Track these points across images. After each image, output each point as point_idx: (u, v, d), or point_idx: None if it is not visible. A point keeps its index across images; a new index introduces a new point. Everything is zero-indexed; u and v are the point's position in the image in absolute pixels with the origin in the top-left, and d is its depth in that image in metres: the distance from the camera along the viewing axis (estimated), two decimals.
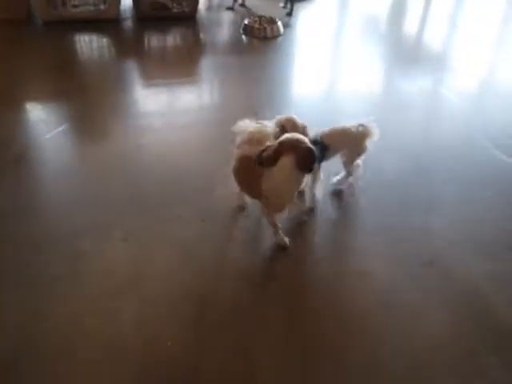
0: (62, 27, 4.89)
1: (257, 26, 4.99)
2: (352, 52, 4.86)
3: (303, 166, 2.15)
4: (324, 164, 2.64)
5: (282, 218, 2.47)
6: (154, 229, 2.54)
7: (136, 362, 1.92)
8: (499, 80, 4.46)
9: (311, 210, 2.72)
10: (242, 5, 5.74)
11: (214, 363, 1.92)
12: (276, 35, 4.98)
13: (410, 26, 5.79)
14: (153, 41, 5.08)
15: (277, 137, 2.26)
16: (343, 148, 2.67)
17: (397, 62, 4.73)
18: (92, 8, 5.06)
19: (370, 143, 2.66)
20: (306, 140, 2.17)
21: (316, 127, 2.58)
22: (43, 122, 3.44)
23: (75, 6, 5.03)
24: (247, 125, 2.42)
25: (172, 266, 2.34)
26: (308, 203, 2.73)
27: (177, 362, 1.93)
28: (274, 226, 2.42)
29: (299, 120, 2.46)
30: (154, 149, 3.16)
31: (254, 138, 2.31)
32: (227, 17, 5.57)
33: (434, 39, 5.39)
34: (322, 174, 2.66)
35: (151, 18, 5.19)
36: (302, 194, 2.72)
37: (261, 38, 4.94)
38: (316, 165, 2.37)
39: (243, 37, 4.99)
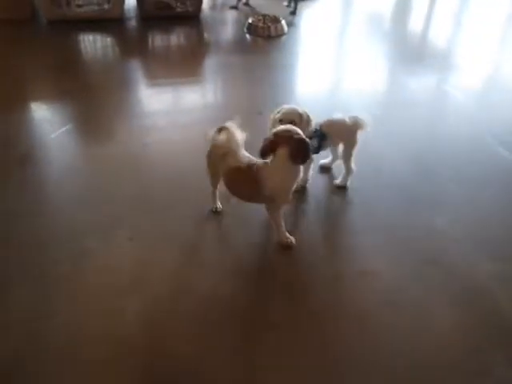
0: (67, 26, 4.90)
1: (261, 24, 4.99)
2: (356, 50, 4.86)
3: (297, 158, 2.19)
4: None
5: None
6: (159, 228, 2.55)
7: (140, 360, 1.92)
8: (504, 77, 4.44)
9: (303, 188, 2.80)
10: (246, 4, 5.74)
11: (216, 361, 1.93)
12: (280, 34, 4.98)
13: (415, 23, 5.79)
14: (157, 40, 5.09)
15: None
16: (339, 138, 2.71)
17: (401, 60, 4.72)
18: (96, 7, 5.08)
19: (361, 135, 2.70)
20: (300, 132, 2.21)
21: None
22: (48, 121, 3.46)
23: (79, 6, 5.05)
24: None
25: (176, 265, 2.34)
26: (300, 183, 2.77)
27: (181, 360, 1.93)
28: (279, 224, 2.43)
29: (302, 111, 2.51)
30: (158, 148, 3.16)
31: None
32: (231, 16, 5.57)
33: (438, 37, 5.38)
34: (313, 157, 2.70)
35: (155, 17, 5.20)
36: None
37: (265, 36, 4.94)
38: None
39: (247, 36, 5.00)
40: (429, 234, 2.56)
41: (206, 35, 5.21)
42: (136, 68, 4.51)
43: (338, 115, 2.70)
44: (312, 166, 2.80)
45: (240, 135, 2.32)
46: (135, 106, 3.76)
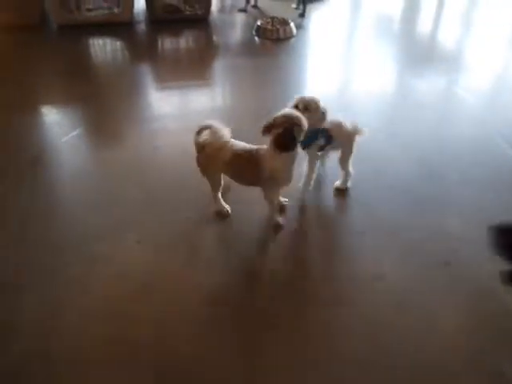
0: (77, 31, 4.94)
1: (269, 27, 5.00)
2: (365, 52, 4.85)
3: (279, 145, 2.26)
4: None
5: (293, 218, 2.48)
6: (168, 231, 2.56)
7: (148, 362, 1.93)
8: None
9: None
10: (255, 6, 5.75)
11: (224, 361, 1.94)
12: (289, 36, 4.99)
13: (424, 25, 5.77)
14: (166, 43, 5.12)
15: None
16: (341, 141, 2.71)
17: (410, 61, 4.71)
18: (106, 11, 5.11)
19: (358, 140, 2.73)
20: (296, 119, 2.25)
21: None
22: (59, 125, 3.48)
23: (89, 10, 5.08)
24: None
25: (185, 268, 2.35)
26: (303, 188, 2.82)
27: (189, 361, 1.94)
28: (274, 206, 2.54)
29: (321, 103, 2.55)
30: (168, 151, 3.18)
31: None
32: (240, 18, 5.58)
33: (447, 38, 5.36)
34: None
35: (164, 20, 5.22)
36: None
37: (273, 39, 4.95)
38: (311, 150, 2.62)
39: (256, 38, 5.01)
40: (434, 236, 2.56)
41: (214, 38, 5.23)
42: (146, 71, 4.53)
43: (338, 118, 2.70)
44: (318, 165, 2.80)
45: (224, 129, 2.40)
46: (145, 110, 3.78)
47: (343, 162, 2.78)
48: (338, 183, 2.87)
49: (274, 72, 4.33)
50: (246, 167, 2.39)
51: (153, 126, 3.48)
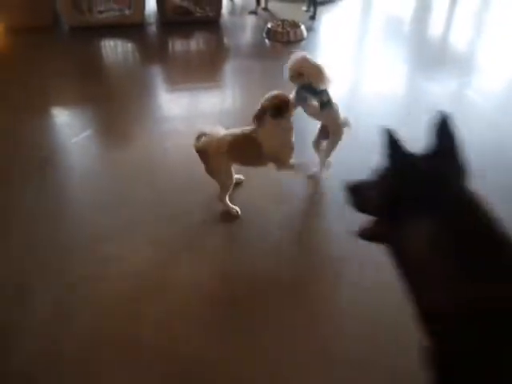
0: (88, 32, 4.96)
1: (280, 29, 4.99)
2: (376, 54, 4.83)
3: (273, 114, 2.39)
4: None
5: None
6: (179, 233, 2.56)
7: (157, 364, 1.93)
8: None
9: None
10: (265, 9, 5.75)
11: (237, 365, 1.94)
12: (299, 39, 4.98)
13: (435, 27, 5.74)
14: (177, 45, 5.13)
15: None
16: (333, 122, 2.75)
17: (422, 63, 4.69)
18: (117, 13, 5.13)
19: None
20: (280, 96, 2.44)
21: None
22: (69, 126, 3.50)
23: (101, 12, 5.10)
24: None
25: (196, 270, 2.35)
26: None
27: (199, 363, 1.94)
28: (293, 167, 2.57)
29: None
30: (178, 153, 3.18)
31: None
32: (250, 21, 5.58)
33: (459, 40, 5.33)
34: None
35: (175, 22, 5.23)
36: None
37: (284, 41, 4.94)
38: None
39: (266, 41, 5.00)
40: None
41: (225, 40, 5.23)
42: (156, 73, 4.55)
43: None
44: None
45: (217, 127, 2.55)
46: (155, 111, 3.79)
47: (327, 152, 2.81)
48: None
49: (283, 75, 4.31)
50: (246, 149, 2.47)
51: (163, 127, 3.48)
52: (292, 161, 2.55)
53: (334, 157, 2.86)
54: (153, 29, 5.28)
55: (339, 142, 2.78)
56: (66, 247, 2.47)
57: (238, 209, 2.66)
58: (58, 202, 2.79)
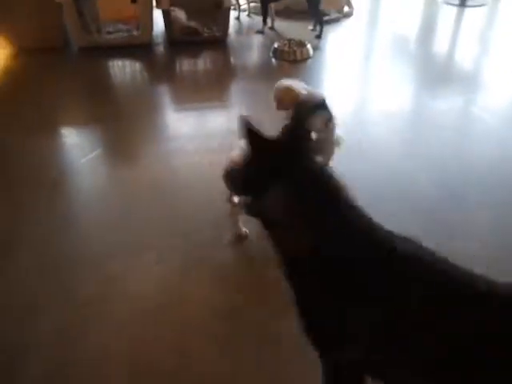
0: (97, 53, 5.02)
1: (286, 49, 5.03)
2: (382, 73, 4.86)
3: None
4: None
5: None
6: (186, 251, 2.56)
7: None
8: None
9: None
10: (272, 28, 5.80)
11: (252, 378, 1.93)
12: (306, 58, 5.01)
13: (441, 45, 5.76)
14: (184, 65, 5.18)
15: None
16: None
17: (427, 81, 4.70)
18: (125, 34, 5.20)
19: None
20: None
21: None
22: (78, 146, 3.53)
23: (109, 32, 5.18)
24: None
25: (204, 289, 2.35)
26: None
27: (214, 379, 1.95)
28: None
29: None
30: (186, 172, 3.20)
31: None
32: (257, 40, 5.64)
33: (465, 58, 5.35)
34: None
35: (183, 42, 5.29)
36: None
37: (290, 60, 4.98)
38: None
39: (273, 60, 5.04)
40: (462, 261, 2.50)
41: (232, 60, 5.28)
42: (164, 93, 4.59)
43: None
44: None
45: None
46: (163, 131, 3.82)
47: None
48: None
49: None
50: None
51: (170, 146, 3.51)
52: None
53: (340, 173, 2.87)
54: (160, 49, 5.34)
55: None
56: (75, 267, 2.48)
57: (246, 230, 2.66)
58: (67, 222, 2.80)
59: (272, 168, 1.35)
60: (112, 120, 3.83)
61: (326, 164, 2.77)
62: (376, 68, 5.10)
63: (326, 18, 5.73)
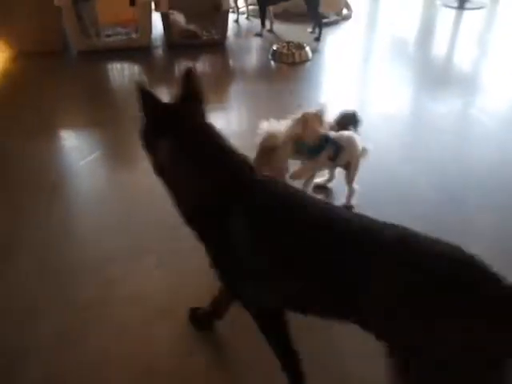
0: (96, 57, 5.03)
1: (285, 51, 5.04)
2: (381, 75, 4.87)
3: None
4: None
5: None
6: (186, 256, 2.56)
7: None
8: None
9: None
10: (270, 31, 5.82)
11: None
12: (304, 60, 5.02)
13: (439, 47, 5.78)
14: (183, 68, 5.17)
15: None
16: (352, 156, 2.74)
17: (426, 84, 4.71)
18: (124, 37, 5.21)
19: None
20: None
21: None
22: (77, 149, 3.53)
23: (108, 36, 5.19)
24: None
25: (204, 293, 2.34)
26: None
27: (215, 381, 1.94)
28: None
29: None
30: None
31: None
32: (256, 43, 5.65)
33: (463, 60, 5.36)
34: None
35: (181, 45, 5.30)
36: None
37: (289, 63, 4.99)
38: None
39: (272, 62, 5.05)
40: None
41: (231, 62, 5.29)
42: (163, 95, 4.57)
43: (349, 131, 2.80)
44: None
45: None
46: None
47: (349, 178, 2.81)
48: (344, 201, 2.86)
49: (290, 96, 4.35)
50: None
51: None
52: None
53: (338, 177, 2.90)
54: (159, 52, 5.35)
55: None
56: (74, 270, 2.48)
57: None
58: (66, 226, 2.80)
59: (161, 126, 1.56)
60: (111, 123, 3.83)
61: (353, 177, 2.80)
62: (375, 70, 5.11)
63: (324, 20, 5.75)
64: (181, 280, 2.41)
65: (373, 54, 5.67)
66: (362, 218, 1.43)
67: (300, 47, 5.10)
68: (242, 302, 1.66)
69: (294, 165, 2.76)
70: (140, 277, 2.43)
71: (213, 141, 1.57)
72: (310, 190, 2.86)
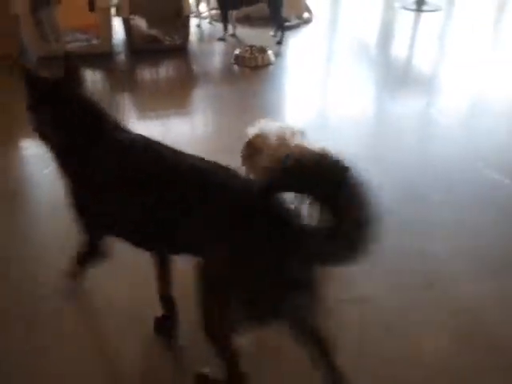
0: (56, 62, 4.91)
1: (248, 55, 5.06)
2: (343, 77, 4.93)
3: None
4: None
5: None
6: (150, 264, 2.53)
7: None
8: (489, 100, 4.50)
9: None
10: (233, 35, 5.83)
11: None
12: (267, 64, 5.05)
13: (399, 49, 5.90)
14: (146, 73, 5.15)
15: None
16: None
17: (388, 85, 4.80)
18: (85, 43, 5.14)
19: None
20: None
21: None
22: (40, 157, 3.45)
23: (68, 42, 5.11)
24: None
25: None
26: None
27: None
28: None
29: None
30: None
31: None
32: (218, 47, 5.66)
33: (423, 61, 5.48)
34: None
35: (144, 50, 5.26)
36: None
37: (252, 67, 5.01)
38: None
39: (235, 66, 5.07)
40: (424, 260, 2.57)
41: (194, 67, 5.29)
42: (126, 101, 4.55)
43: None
44: None
45: None
46: None
47: None
48: None
49: (253, 99, 4.37)
50: None
51: None
52: None
53: None
54: (121, 57, 5.30)
55: None
56: (36, 281, 2.42)
57: None
58: (27, 234, 2.75)
59: (44, 95, 1.83)
60: None
61: None
62: (337, 73, 5.17)
63: (286, 24, 5.79)
64: (147, 289, 2.38)
65: (334, 56, 5.74)
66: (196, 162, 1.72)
67: (263, 51, 5.13)
68: (90, 237, 1.98)
69: None
70: (105, 287, 2.39)
71: (85, 103, 1.87)
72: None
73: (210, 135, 3.90)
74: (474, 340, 2.13)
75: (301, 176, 1.42)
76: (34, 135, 1.94)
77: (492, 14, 7.07)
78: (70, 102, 1.82)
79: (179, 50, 5.39)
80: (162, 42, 5.32)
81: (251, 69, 4.99)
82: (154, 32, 5.29)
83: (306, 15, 6.33)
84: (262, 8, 5.58)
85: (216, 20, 6.17)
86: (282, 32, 5.54)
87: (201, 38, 5.95)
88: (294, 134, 2.54)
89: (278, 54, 5.25)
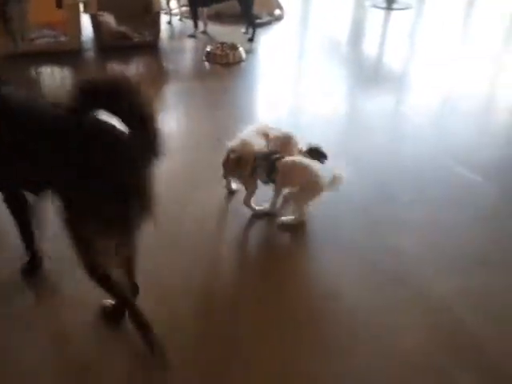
0: (24, 60, 4.83)
1: (219, 52, 5.04)
2: (314, 75, 4.94)
3: None
4: None
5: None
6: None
7: None
8: (459, 97, 4.55)
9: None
10: (204, 32, 5.80)
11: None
12: (238, 61, 5.04)
13: (370, 46, 5.94)
14: (115, 70, 5.07)
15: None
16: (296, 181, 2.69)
17: (359, 83, 4.83)
18: (52, 40, 5.04)
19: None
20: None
21: None
22: None
23: (35, 39, 5.00)
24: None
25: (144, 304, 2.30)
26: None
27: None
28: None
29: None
30: None
31: None
32: (189, 44, 5.62)
33: (393, 59, 5.53)
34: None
35: (113, 47, 5.18)
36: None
37: (223, 64, 4.99)
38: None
39: (206, 63, 5.03)
40: (395, 256, 2.57)
41: (164, 64, 5.23)
42: None
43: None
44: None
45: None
46: None
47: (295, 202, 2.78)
48: (284, 218, 2.77)
49: (225, 96, 4.35)
50: None
51: None
52: None
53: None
54: (90, 54, 5.22)
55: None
56: (7, 281, 2.37)
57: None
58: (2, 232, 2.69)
59: None
60: None
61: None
62: (308, 70, 5.19)
63: (257, 21, 5.78)
64: None
65: (306, 53, 5.75)
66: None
67: (234, 48, 5.11)
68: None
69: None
70: (80, 285, 2.34)
71: None
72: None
73: (181, 132, 3.87)
74: (447, 338, 2.14)
75: (95, 95, 1.63)
76: None
77: (461, 10, 7.19)
78: None
79: (150, 47, 5.33)
80: (132, 39, 5.26)
81: (222, 66, 4.97)
82: (123, 29, 5.22)
83: (277, 12, 6.34)
84: (233, 5, 5.55)
85: (186, 17, 6.13)
86: (254, 29, 5.53)
87: (171, 35, 5.90)
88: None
89: (249, 51, 5.24)
